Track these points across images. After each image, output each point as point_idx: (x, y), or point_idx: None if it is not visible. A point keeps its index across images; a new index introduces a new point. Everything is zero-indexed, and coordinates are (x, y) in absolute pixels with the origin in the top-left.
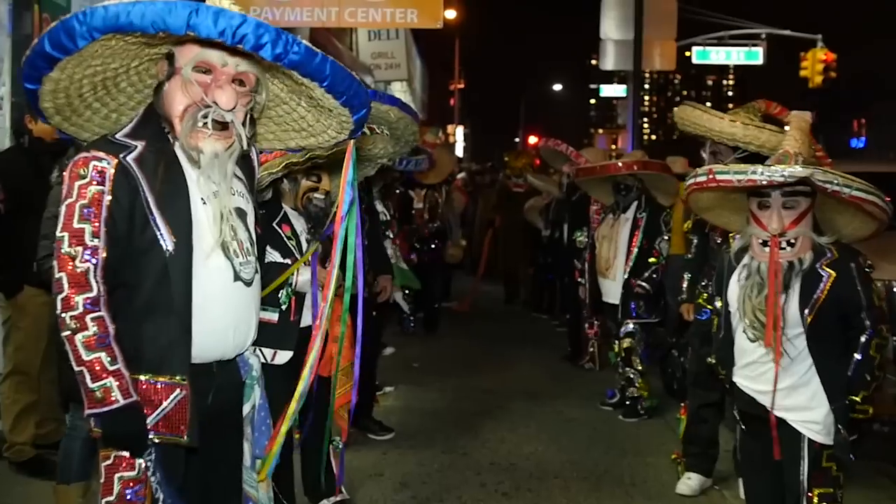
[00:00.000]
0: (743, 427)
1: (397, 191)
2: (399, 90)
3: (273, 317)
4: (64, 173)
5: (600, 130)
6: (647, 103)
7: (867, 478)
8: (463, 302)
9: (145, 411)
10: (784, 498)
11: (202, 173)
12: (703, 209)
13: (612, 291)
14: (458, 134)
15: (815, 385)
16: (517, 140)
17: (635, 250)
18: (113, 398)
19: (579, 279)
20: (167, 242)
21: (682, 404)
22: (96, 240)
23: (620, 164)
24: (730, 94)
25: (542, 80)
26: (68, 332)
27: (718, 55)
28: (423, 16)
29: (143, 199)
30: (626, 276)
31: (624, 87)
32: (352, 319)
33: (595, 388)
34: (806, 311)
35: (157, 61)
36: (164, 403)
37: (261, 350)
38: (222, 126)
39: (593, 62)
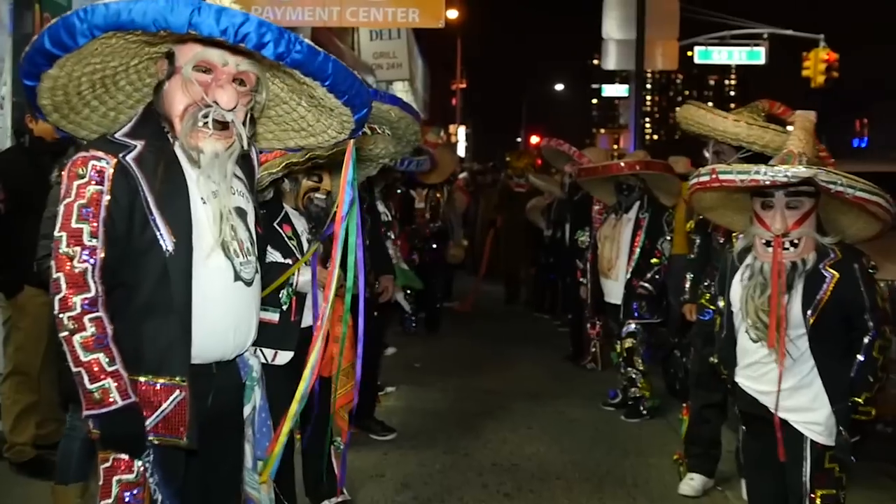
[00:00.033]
0: (742, 427)
1: (398, 191)
2: (401, 90)
3: (274, 317)
4: (62, 173)
5: (602, 130)
6: (649, 103)
7: (870, 479)
8: (465, 302)
9: (144, 413)
10: (787, 499)
11: (202, 173)
12: (707, 209)
13: (614, 292)
14: (460, 134)
15: (817, 386)
16: (519, 140)
17: (637, 251)
18: (111, 399)
19: (581, 279)
20: (167, 242)
21: (684, 405)
22: (94, 240)
23: (623, 164)
24: (732, 93)
25: (543, 79)
26: (66, 333)
27: (720, 55)
28: (424, 15)
29: (143, 199)
30: (628, 277)
31: (626, 86)
32: (353, 320)
33: (597, 388)
34: (809, 312)
35: (157, 60)
36: (164, 405)
37: (261, 350)
38: (222, 126)
39: (595, 62)
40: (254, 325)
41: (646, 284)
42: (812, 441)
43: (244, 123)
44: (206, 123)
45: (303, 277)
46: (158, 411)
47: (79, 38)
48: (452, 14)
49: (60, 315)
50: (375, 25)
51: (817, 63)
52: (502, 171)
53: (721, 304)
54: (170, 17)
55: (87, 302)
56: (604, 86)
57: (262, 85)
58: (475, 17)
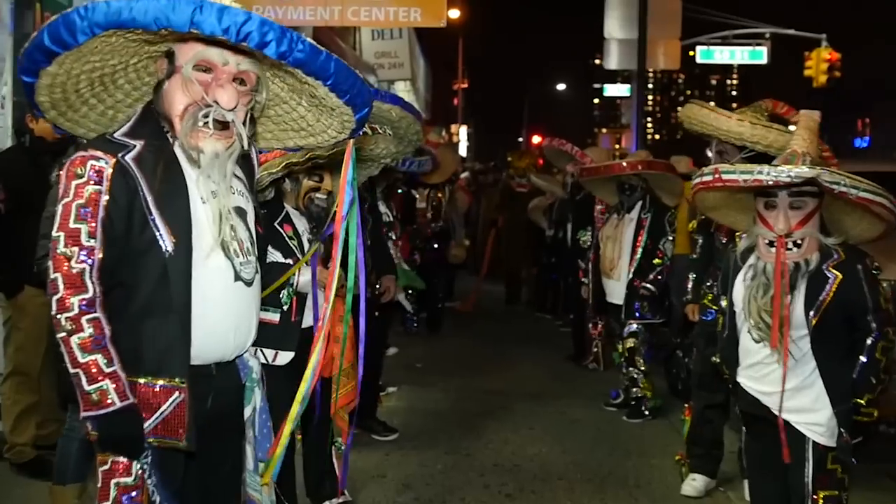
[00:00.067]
0: (743, 428)
1: (400, 190)
2: (402, 90)
3: (274, 317)
4: (60, 172)
5: (604, 130)
6: (650, 103)
7: (873, 480)
8: (466, 302)
9: (143, 415)
10: (790, 500)
11: (202, 173)
12: (710, 208)
13: (616, 292)
14: (462, 133)
15: (819, 387)
16: (521, 139)
17: (639, 251)
18: (109, 401)
19: (583, 279)
20: (166, 243)
21: (686, 405)
22: (92, 240)
23: (625, 163)
24: (733, 93)
25: (545, 79)
26: (64, 334)
27: (722, 55)
28: (426, 15)
29: (142, 199)
30: (629, 277)
31: (628, 86)
32: (354, 320)
33: (599, 388)
34: (811, 313)
35: (157, 59)
36: (163, 406)
37: (262, 351)
38: (223, 125)
39: (597, 61)
40: (254, 325)
41: (648, 285)
42: (814, 442)
43: (244, 123)
44: (206, 123)
45: (303, 278)
46: (158, 413)
47: (79, 36)
48: (454, 14)
49: (58, 316)
50: (377, 25)
51: (819, 63)
52: (503, 171)
53: (723, 303)
54: (171, 16)
55: (84, 303)
56: (606, 85)
57: (262, 84)
58: (477, 16)
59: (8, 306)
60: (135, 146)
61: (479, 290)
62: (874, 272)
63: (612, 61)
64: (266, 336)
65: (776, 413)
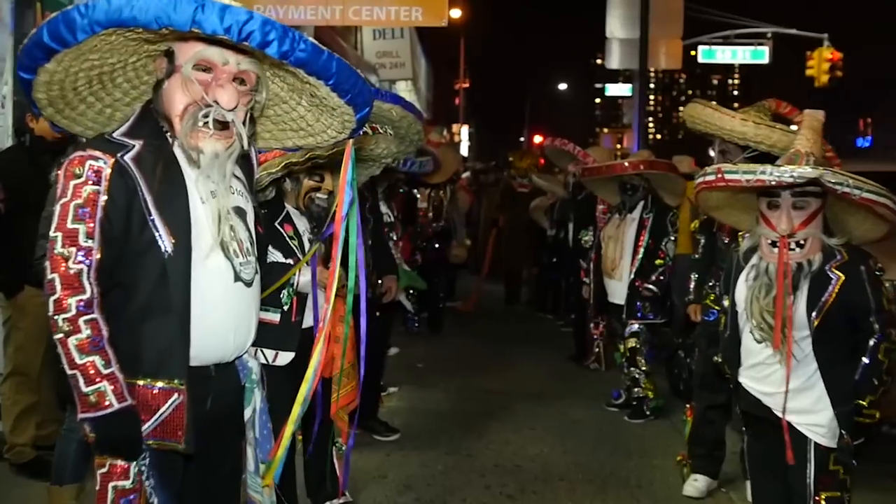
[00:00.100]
0: (743, 428)
1: (401, 190)
2: (404, 89)
3: (275, 317)
4: (58, 172)
5: (605, 130)
6: (652, 102)
7: (875, 481)
8: (467, 302)
9: (142, 417)
10: (792, 501)
11: (201, 173)
12: (713, 208)
13: (617, 292)
14: (463, 133)
15: (820, 388)
16: (522, 139)
17: (641, 251)
18: (107, 402)
19: (584, 279)
20: (166, 243)
21: (688, 405)
22: (90, 241)
23: (627, 163)
24: (735, 93)
25: (547, 79)
26: (61, 335)
27: (724, 54)
28: (427, 14)
29: (141, 200)
30: (631, 277)
31: (629, 86)
32: (355, 320)
33: (600, 388)
34: (813, 314)
35: (156, 58)
36: (162, 408)
37: (262, 351)
38: (223, 125)
39: (598, 61)
40: (253, 326)
41: (650, 286)
42: (816, 443)
43: (244, 123)
44: (206, 123)
45: (304, 278)
46: (157, 415)
47: (78, 34)
48: (455, 13)
49: (55, 317)
50: (378, 24)
51: (821, 62)
52: (505, 171)
53: (726, 303)
54: (173, 15)
55: (82, 304)
56: (607, 85)
57: (262, 84)
58: (478, 16)
59: (8, 306)
60: (134, 146)
61: (480, 290)
62: (877, 273)
63: (614, 61)
64: (266, 336)
65: (778, 414)
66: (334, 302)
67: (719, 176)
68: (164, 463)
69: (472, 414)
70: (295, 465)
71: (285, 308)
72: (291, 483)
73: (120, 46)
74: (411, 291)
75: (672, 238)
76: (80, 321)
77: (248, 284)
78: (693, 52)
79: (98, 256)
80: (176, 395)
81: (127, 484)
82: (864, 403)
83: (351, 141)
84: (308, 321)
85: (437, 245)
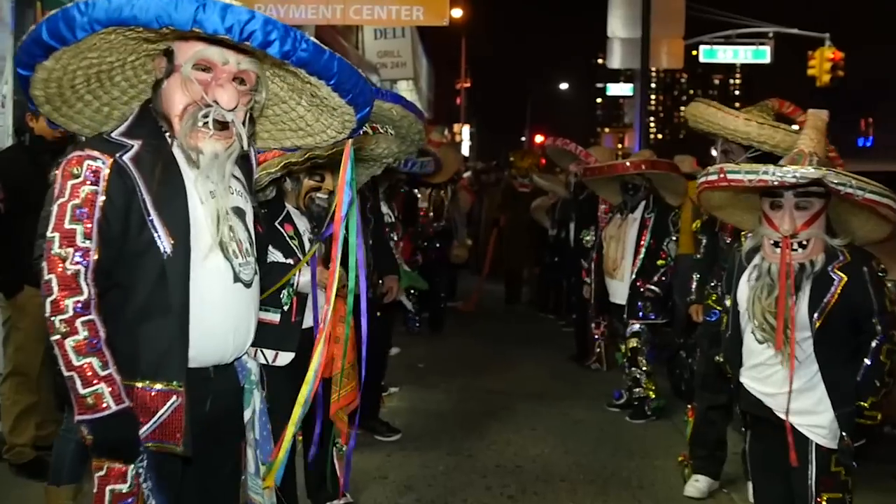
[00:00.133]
0: (743, 429)
1: (402, 190)
2: (405, 89)
3: (275, 318)
4: (56, 171)
5: (607, 129)
6: (653, 102)
7: (877, 482)
8: (468, 302)
9: (141, 419)
10: (794, 502)
11: (201, 173)
12: (715, 207)
13: (619, 292)
14: (465, 133)
15: (821, 389)
16: (523, 139)
17: (643, 251)
18: (104, 404)
19: (585, 279)
20: (165, 244)
21: (689, 406)
22: (88, 241)
23: (628, 163)
24: (736, 93)
25: (548, 78)
26: (58, 337)
27: (726, 54)
28: (428, 13)
29: (141, 200)
30: (633, 277)
31: (631, 85)
32: (355, 321)
33: (602, 388)
34: (815, 316)
35: (155, 57)
36: (160, 411)
37: (262, 351)
38: (222, 126)
39: (600, 61)
40: (252, 327)
41: (653, 287)
42: (817, 444)
43: (243, 123)
44: (206, 123)
45: (304, 278)
46: (155, 417)
47: (78, 32)
48: (457, 13)
49: (52, 318)
50: (379, 23)
51: (823, 62)
52: (506, 170)
53: (728, 302)
54: (174, 14)
55: (79, 305)
56: (608, 85)
57: (261, 84)
58: (480, 15)
59: (7, 306)
60: (132, 146)
61: (481, 290)
62: (880, 274)
63: (616, 60)
64: (266, 336)
65: (779, 415)
66: (335, 302)
67: (722, 176)
68: (163, 465)
69: (473, 414)
70: (295, 466)
71: (285, 308)
72: (292, 484)
73: (119, 45)
74: (412, 291)
75: (674, 238)
76: (78, 322)
77: (248, 285)
78: (694, 52)
79: (96, 257)
80: (174, 396)
81: (124, 488)
82: (866, 405)
83: (350, 141)
84: (308, 321)
85: (437, 245)
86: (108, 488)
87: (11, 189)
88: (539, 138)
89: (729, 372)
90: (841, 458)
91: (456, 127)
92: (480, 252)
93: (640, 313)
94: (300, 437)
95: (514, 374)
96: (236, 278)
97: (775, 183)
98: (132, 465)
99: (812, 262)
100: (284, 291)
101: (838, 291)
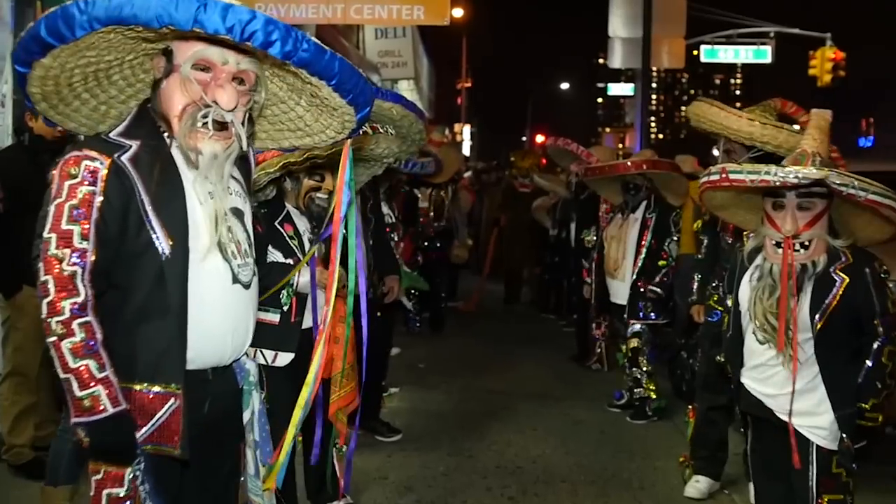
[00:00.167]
0: (742, 429)
1: (403, 190)
2: (406, 89)
3: (274, 318)
4: (53, 171)
5: (607, 129)
6: (654, 102)
7: (879, 483)
8: (469, 301)
9: (139, 422)
10: (795, 503)
11: (199, 174)
12: (718, 207)
13: (620, 292)
14: (465, 133)
15: (822, 391)
16: (524, 139)
17: (644, 251)
18: (101, 407)
19: (586, 279)
20: (163, 245)
21: (690, 406)
22: (85, 242)
23: (630, 163)
24: (738, 92)
25: (549, 78)
26: (54, 338)
27: (727, 54)
28: (429, 12)
29: (139, 201)
30: (633, 277)
31: (632, 85)
32: (355, 322)
33: (603, 389)
34: (817, 317)
35: (153, 56)
36: (158, 413)
37: (262, 352)
38: (221, 126)
39: (601, 60)
40: (251, 328)
41: (656, 289)
42: (818, 446)
43: (242, 123)
44: (205, 124)
45: (303, 278)
46: (153, 420)
47: (77, 31)
48: (458, 12)
49: (49, 319)
50: (380, 23)
51: (824, 62)
52: (506, 170)
53: (729, 303)
54: (174, 14)
55: (76, 306)
56: (609, 84)
57: (260, 84)
58: (481, 15)
59: (6, 306)
60: (130, 146)
61: (482, 290)
62: (882, 276)
63: (617, 60)
64: (266, 337)
65: (780, 416)
66: (334, 303)
67: (724, 176)
68: (161, 468)
69: (473, 414)
70: (295, 467)
71: (285, 308)
72: (292, 486)
73: (118, 44)
74: (413, 291)
75: (675, 238)
76: (74, 324)
77: (246, 286)
78: (696, 52)
79: (93, 258)
80: (172, 399)
81: (121, 492)
82: (867, 407)
83: (349, 141)
84: (307, 322)
85: (438, 245)
86: (104, 492)
87: (11, 188)
88: (540, 138)
89: (730, 372)
90: (841, 459)
91: (457, 127)
92: (481, 252)
93: (641, 313)
94: (300, 439)
95: (514, 374)
96: (235, 279)
97: (777, 183)
98: (129, 469)
99: (814, 262)
100: (284, 292)
101: (840, 293)
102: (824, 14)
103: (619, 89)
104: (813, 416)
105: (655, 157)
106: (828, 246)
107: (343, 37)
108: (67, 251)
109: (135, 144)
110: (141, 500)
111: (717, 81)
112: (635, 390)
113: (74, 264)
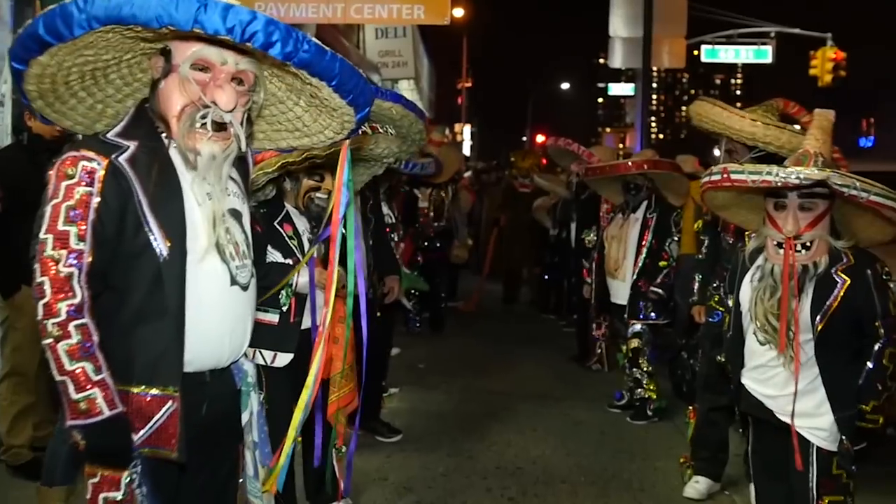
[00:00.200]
0: (741, 430)
1: (403, 190)
2: (406, 88)
3: (273, 318)
4: (50, 172)
5: (608, 129)
6: (654, 102)
7: (879, 484)
8: (469, 301)
9: (136, 425)
10: None
11: (198, 175)
12: (719, 207)
13: (620, 292)
14: (466, 132)
15: (822, 392)
16: (524, 139)
17: (644, 251)
18: (98, 410)
19: (587, 279)
20: (161, 246)
21: (691, 407)
22: (82, 243)
23: (630, 163)
24: (738, 92)
25: (549, 78)
26: (50, 340)
27: (727, 54)
28: (430, 12)
29: (136, 202)
30: (634, 277)
31: (632, 85)
32: (355, 322)
33: (603, 389)
34: (818, 318)
35: (151, 56)
36: (156, 416)
37: (261, 352)
38: (220, 127)
39: (601, 60)
40: (249, 330)
41: (657, 290)
42: (818, 447)
43: (241, 124)
44: (204, 125)
45: (303, 279)
46: (150, 423)
47: (75, 29)
48: (458, 12)
49: (45, 321)
50: (380, 22)
51: (824, 62)
52: (506, 170)
53: (730, 303)
54: (174, 14)
55: (72, 308)
56: (610, 84)
57: (259, 84)
58: (481, 15)
59: (5, 306)
60: (128, 147)
61: (482, 290)
62: (884, 277)
63: (617, 60)
64: (265, 337)
65: (780, 417)
66: (334, 303)
67: (725, 176)
68: (158, 471)
69: (473, 415)
70: (294, 468)
71: (284, 309)
72: (291, 486)
73: (116, 43)
74: (413, 291)
75: (676, 238)
76: (71, 326)
77: (245, 288)
78: (696, 52)
79: (90, 260)
80: (170, 402)
81: (118, 495)
82: (867, 408)
83: (347, 142)
84: (307, 322)
85: (438, 245)
86: (101, 496)
87: (9, 188)
88: (540, 138)
89: (731, 372)
90: (840, 461)
91: (457, 127)
92: (481, 252)
93: (642, 313)
94: (299, 440)
95: (514, 374)
96: (233, 281)
97: (779, 184)
98: (126, 472)
99: (815, 263)
100: (283, 292)
101: (841, 294)
102: (825, 14)
103: (619, 89)
104: (813, 417)
105: (656, 156)
106: (829, 247)
107: (343, 36)
108: (64, 252)
109: (132, 145)
110: (138, 503)
111: (718, 81)
112: (636, 391)
113: (71, 265)
